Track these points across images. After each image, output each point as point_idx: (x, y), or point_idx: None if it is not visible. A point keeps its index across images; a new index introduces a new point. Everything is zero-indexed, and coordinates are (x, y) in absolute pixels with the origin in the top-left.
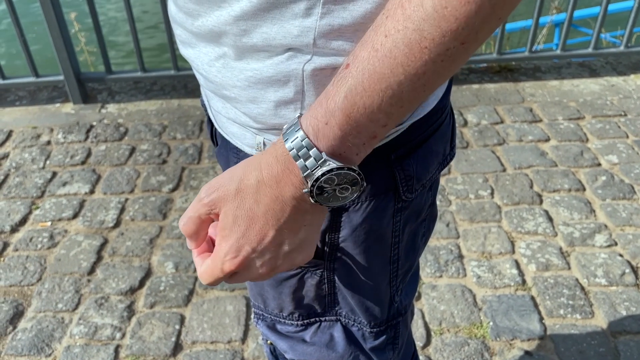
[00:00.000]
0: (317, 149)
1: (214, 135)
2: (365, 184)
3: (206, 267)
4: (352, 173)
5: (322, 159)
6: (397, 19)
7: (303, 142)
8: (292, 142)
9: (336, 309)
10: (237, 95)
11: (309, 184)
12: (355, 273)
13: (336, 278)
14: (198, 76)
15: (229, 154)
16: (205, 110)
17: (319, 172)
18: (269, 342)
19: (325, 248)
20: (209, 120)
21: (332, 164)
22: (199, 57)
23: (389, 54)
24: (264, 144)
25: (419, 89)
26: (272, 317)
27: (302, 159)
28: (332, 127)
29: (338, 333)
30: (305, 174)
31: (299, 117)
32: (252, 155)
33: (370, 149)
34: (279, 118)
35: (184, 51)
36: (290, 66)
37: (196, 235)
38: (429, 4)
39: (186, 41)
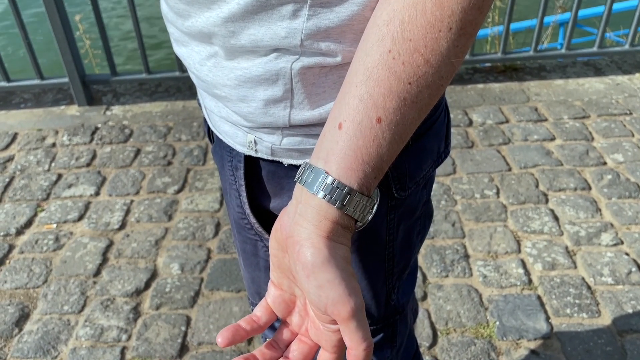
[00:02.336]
0: (369, 196)
1: (210, 133)
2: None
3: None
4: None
5: (374, 202)
6: (417, 65)
7: (361, 200)
8: (352, 206)
9: None
10: (227, 94)
11: (368, 219)
12: None
13: None
14: (191, 75)
15: (223, 153)
16: (201, 109)
17: (374, 208)
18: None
19: None
20: (205, 119)
21: (377, 196)
22: (191, 55)
23: (416, 100)
24: (255, 142)
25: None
26: None
27: (357, 211)
28: (379, 178)
29: None
30: (361, 219)
31: (345, 185)
32: (244, 153)
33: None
34: (268, 117)
35: (177, 49)
36: (279, 65)
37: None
38: (444, 46)
39: (179, 40)
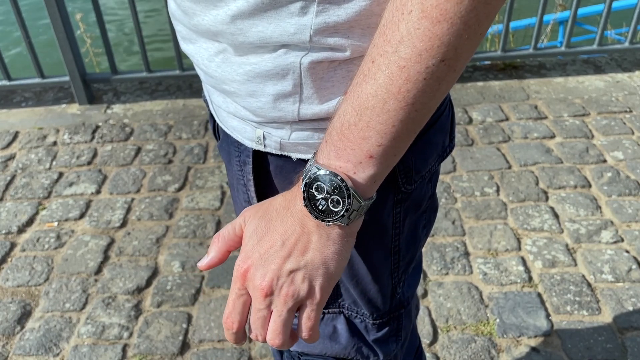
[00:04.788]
0: (315, 161)
1: (216, 129)
2: (359, 200)
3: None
4: (335, 179)
5: (312, 166)
6: (379, 45)
7: (308, 162)
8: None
9: (339, 301)
10: (236, 89)
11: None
12: (357, 265)
13: None
14: (199, 71)
15: (230, 148)
16: (207, 105)
17: (307, 179)
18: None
19: None
20: (211, 115)
21: (318, 170)
22: (199, 52)
23: (374, 77)
24: (264, 137)
25: (406, 108)
26: None
27: (304, 175)
28: (327, 144)
29: (341, 325)
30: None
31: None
32: (252, 148)
33: (369, 170)
34: (277, 111)
35: (185, 47)
36: (288, 59)
37: (223, 244)
38: (404, 27)
39: (187, 37)
